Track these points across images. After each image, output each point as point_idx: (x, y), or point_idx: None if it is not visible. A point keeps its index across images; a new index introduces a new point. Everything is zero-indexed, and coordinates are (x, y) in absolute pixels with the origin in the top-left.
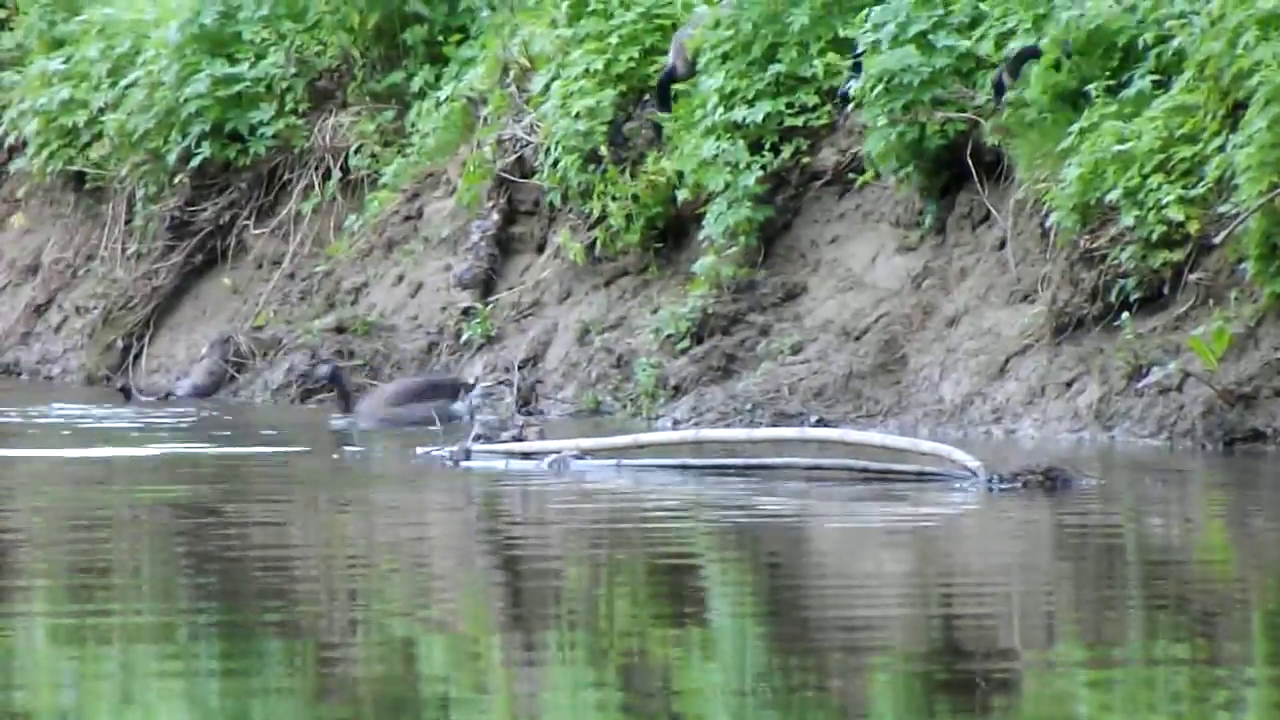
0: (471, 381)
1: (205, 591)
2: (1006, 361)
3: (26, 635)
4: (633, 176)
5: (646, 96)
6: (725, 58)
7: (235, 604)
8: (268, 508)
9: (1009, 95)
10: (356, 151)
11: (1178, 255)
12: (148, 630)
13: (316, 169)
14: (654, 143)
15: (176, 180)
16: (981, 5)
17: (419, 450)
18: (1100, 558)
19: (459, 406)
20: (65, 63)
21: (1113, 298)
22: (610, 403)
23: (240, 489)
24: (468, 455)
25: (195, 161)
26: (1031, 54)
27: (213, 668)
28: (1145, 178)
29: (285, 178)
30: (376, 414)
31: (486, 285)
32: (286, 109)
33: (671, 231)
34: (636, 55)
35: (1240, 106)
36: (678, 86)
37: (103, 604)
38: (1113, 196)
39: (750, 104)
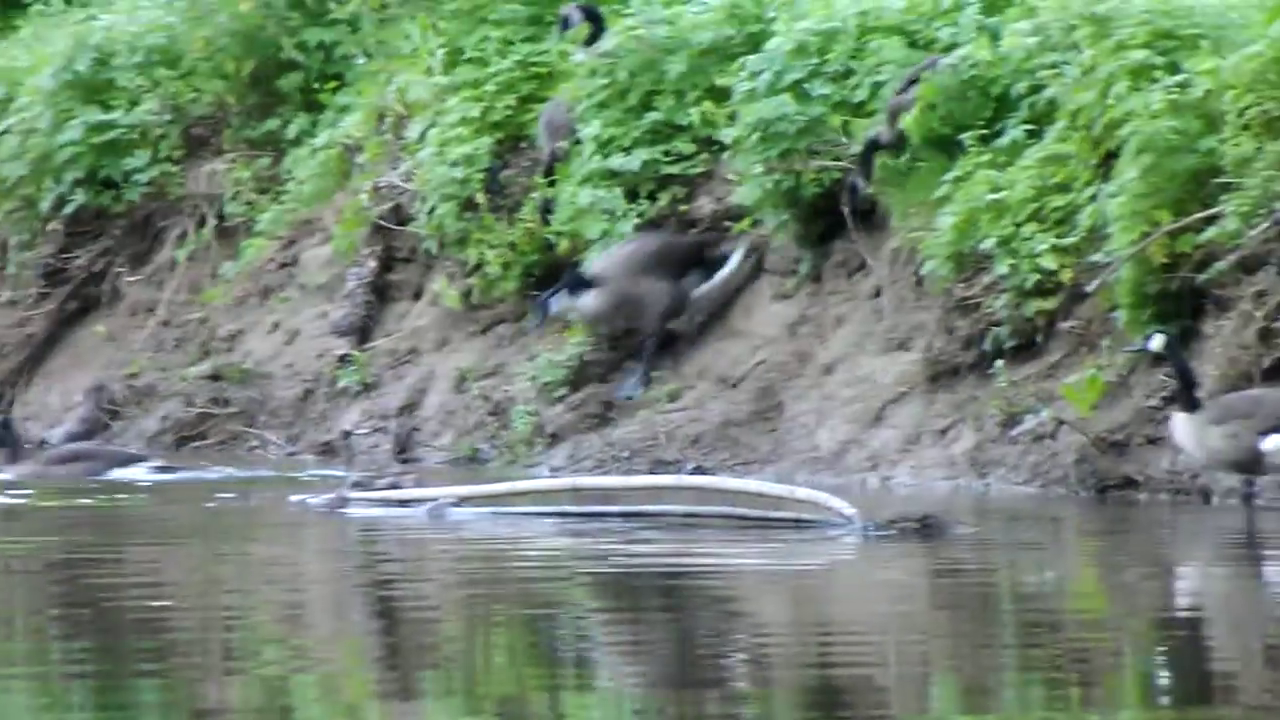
0: (139, 454)
1: (78, 641)
2: (882, 409)
3: None
4: (510, 224)
5: (522, 144)
6: (602, 105)
7: (108, 655)
8: (142, 556)
9: (865, 190)
10: (232, 198)
11: (1051, 303)
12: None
13: (191, 216)
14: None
15: (50, 227)
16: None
17: (293, 499)
18: (975, 605)
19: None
20: None
21: (987, 346)
22: (487, 450)
23: (117, 538)
24: (344, 503)
25: (69, 208)
26: (875, 145)
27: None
28: (1019, 226)
29: (160, 225)
30: (32, 469)
31: (363, 333)
32: (161, 156)
33: (549, 279)
34: (513, 103)
35: (1112, 156)
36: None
37: None
38: (987, 245)
39: (627, 152)
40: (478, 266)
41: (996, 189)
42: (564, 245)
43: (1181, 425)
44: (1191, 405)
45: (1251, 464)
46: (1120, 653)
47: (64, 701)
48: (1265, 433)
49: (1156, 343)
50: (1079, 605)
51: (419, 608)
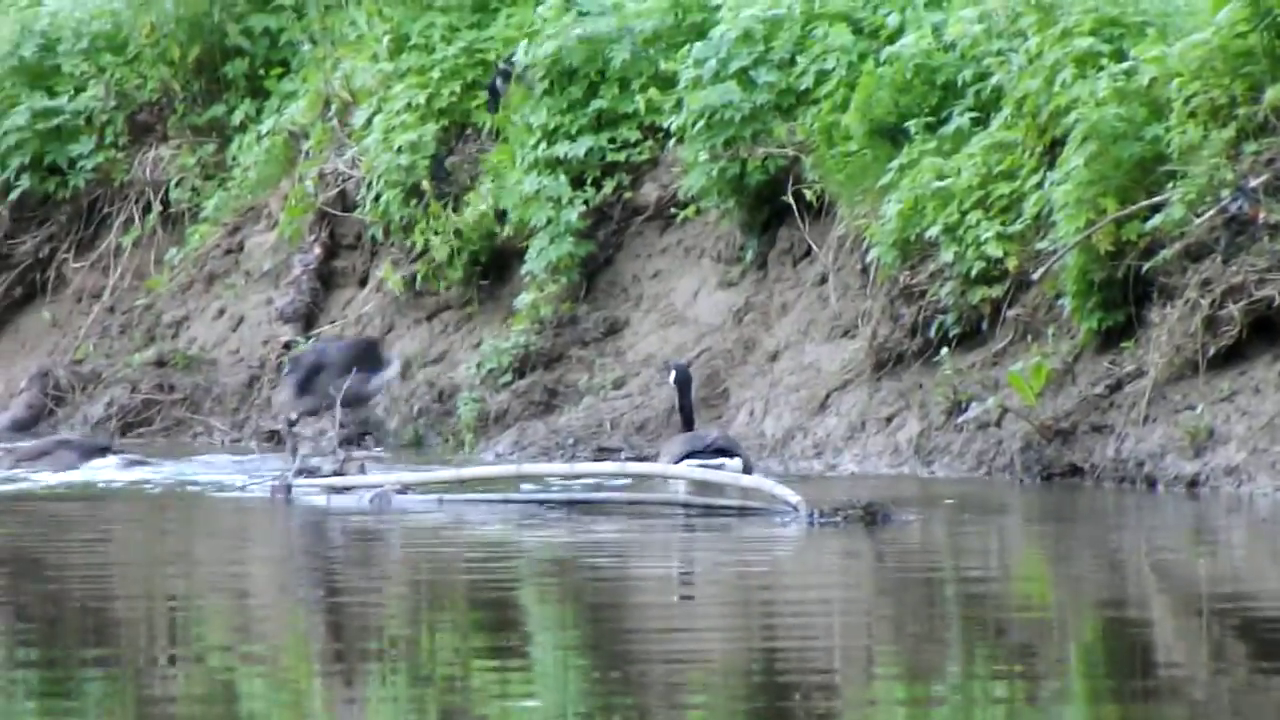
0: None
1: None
2: (827, 397)
3: None
4: (455, 211)
5: (467, 130)
6: (547, 93)
7: (54, 642)
8: (85, 543)
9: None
10: (177, 185)
11: (996, 291)
12: None
13: (137, 202)
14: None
15: None
16: (799, 47)
17: (238, 484)
18: (918, 591)
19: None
20: None
21: (932, 333)
22: (432, 437)
23: (56, 525)
24: (289, 490)
25: (14, 194)
26: (506, 75)
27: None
28: (964, 214)
29: (105, 211)
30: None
31: (308, 319)
32: (106, 142)
33: (494, 266)
34: (458, 90)
35: (1058, 144)
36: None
37: None
38: (932, 233)
39: (572, 139)
40: (423, 253)
41: (942, 176)
42: (509, 232)
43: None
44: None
45: None
46: (1064, 636)
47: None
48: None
49: (671, 375)
50: (1020, 590)
51: (361, 592)
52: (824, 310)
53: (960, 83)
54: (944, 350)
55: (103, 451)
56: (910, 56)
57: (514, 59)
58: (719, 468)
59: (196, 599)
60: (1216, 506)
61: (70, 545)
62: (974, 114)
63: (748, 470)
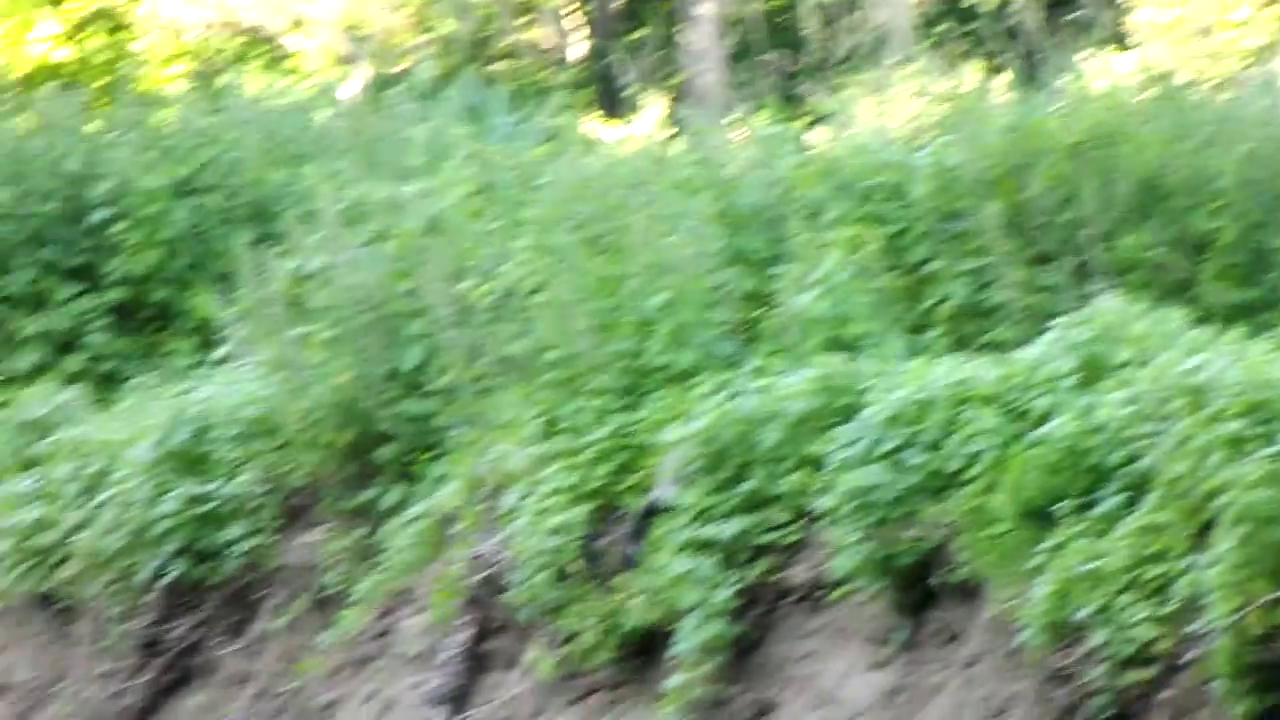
0: None
1: None
2: None
3: None
4: (606, 593)
5: (618, 512)
6: (698, 474)
7: None
8: None
9: (635, 554)
10: (328, 569)
11: (1148, 674)
12: None
13: (288, 586)
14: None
15: (147, 598)
16: (948, 429)
17: None
18: None
19: None
20: (36, 482)
21: (1085, 716)
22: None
23: None
24: None
25: (167, 580)
26: (653, 511)
27: None
28: (1115, 596)
29: (257, 595)
30: None
31: (458, 702)
32: (258, 527)
33: (643, 647)
34: (608, 472)
35: (1209, 526)
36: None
37: None
38: (1083, 615)
39: (722, 520)
40: (572, 636)
41: (1092, 558)
42: (657, 614)
43: None
44: None
45: None
46: None
47: None
48: None
49: None
50: None
51: None
52: (974, 692)
53: (1110, 465)
54: None
55: None
56: (1060, 439)
57: (659, 499)
58: None
59: None
60: None
61: None
62: (1124, 496)
63: None
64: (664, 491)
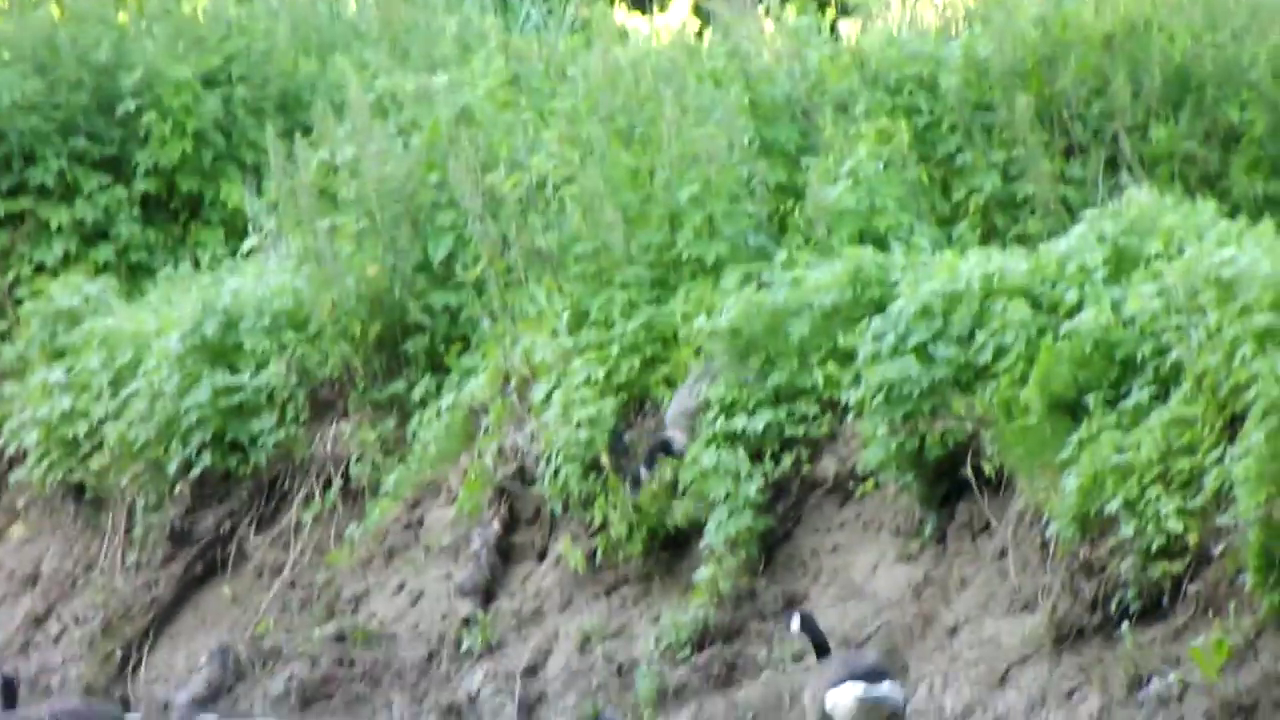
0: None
1: None
2: (1007, 671)
3: None
4: (634, 485)
5: (646, 405)
6: (726, 368)
7: None
8: None
9: (646, 480)
10: (358, 460)
11: (1177, 566)
12: None
13: (317, 478)
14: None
15: (176, 490)
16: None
17: None
18: None
19: None
20: (66, 373)
21: (1113, 608)
22: (612, 712)
23: None
24: None
25: (196, 471)
26: (661, 448)
27: None
28: (1144, 489)
29: (286, 487)
30: None
31: (487, 594)
32: (288, 418)
33: (672, 541)
34: (637, 364)
35: (1238, 419)
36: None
37: None
38: (1112, 507)
39: (750, 413)
40: (602, 528)
41: (1121, 451)
42: (688, 507)
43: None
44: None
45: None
46: None
47: None
48: (828, 689)
49: (794, 624)
50: None
51: None
52: (1003, 584)
53: (1139, 358)
54: (1124, 625)
55: None
56: (1089, 331)
57: (672, 440)
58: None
59: None
60: None
61: None
62: (1153, 389)
63: (882, 700)
64: (675, 436)
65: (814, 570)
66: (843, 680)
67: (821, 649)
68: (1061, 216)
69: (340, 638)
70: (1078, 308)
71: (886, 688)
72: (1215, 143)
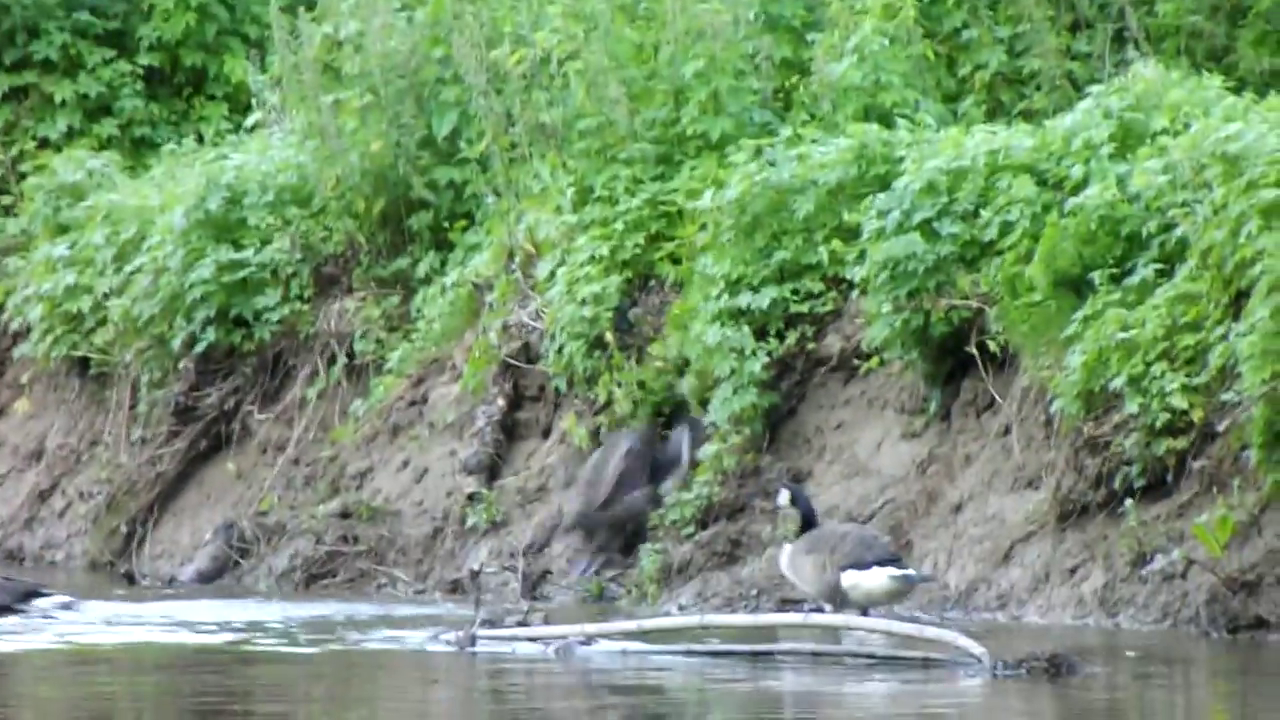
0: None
1: None
2: (1011, 548)
3: None
4: (638, 362)
5: (651, 281)
6: (731, 243)
7: None
8: (273, 695)
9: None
10: (362, 337)
11: (1181, 443)
12: None
13: (321, 354)
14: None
15: (181, 365)
16: (983, 198)
17: (424, 636)
18: None
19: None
20: (70, 248)
21: (1117, 484)
22: (615, 588)
23: (243, 680)
24: (473, 641)
25: (200, 347)
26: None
27: None
28: (1149, 365)
29: (290, 363)
30: None
31: (492, 470)
32: (292, 295)
33: (676, 417)
34: (642, 241)
35: (1243, 295)
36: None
37: None
38: (1116, 384)
39: (755, 290)
40: (606, 404)
41: (1126, 328)
42: (692, 383)
43: (785, 553)
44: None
45: (833, 594)
46: None
47: None
48: (845, 568)
49: (784, 497)
50: None
51: None
52: (1008, 461)
53: (1145, 234)
54: (1128, 501)
55: (29, 596)
56: (1094, 208)
57: (632, 309)
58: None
59: None
60: None
61: (253, 691)
62: (1158, 265)
63: (911, 580)
64: (683, 453)
65: (818, 447)
66: (865, 563)
67: (809, 522)
68: (1067, 92)
69: (345, 514)
70: (1083, 184)
71: (908, 571)
72: (1222, 17)
